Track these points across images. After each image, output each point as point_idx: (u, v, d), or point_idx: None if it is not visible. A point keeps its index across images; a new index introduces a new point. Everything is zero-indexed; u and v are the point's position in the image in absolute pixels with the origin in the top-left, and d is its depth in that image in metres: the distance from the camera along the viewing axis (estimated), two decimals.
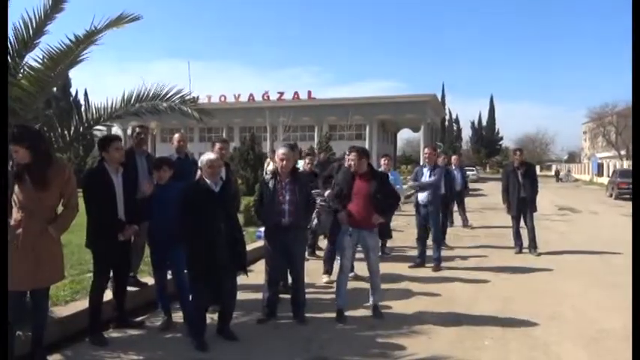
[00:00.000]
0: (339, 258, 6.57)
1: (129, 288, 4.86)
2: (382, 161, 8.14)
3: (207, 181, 4.18)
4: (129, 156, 4.99)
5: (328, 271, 6.46)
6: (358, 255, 5.33)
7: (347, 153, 6.45)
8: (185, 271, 4.44)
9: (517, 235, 8.64)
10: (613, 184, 24.20)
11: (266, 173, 5.89)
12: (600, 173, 45.48)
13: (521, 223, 8.65)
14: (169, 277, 4.77)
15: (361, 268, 5.22)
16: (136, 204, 4.50)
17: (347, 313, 4.94)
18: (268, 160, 10.60)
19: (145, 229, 4.62)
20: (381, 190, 4.91)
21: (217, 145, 5.42)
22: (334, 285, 6.13)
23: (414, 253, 7.69)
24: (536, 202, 8.64)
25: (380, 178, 5.02)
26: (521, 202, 8.48)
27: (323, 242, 7.61)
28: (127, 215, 4.33)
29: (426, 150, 7.91)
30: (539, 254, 8.38)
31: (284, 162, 4.79)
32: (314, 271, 6.50)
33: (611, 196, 24.02)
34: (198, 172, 4.91)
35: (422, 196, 7.55)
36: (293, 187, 4.81)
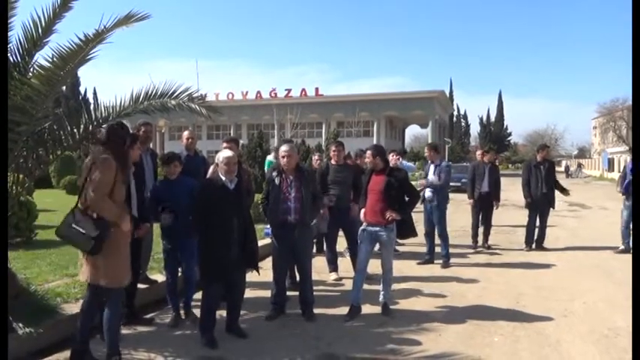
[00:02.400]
0: (347, 255, 6.61)
1: (138, 285, 4.88)
2: (390, 157, 8.15)
3: (223, 178, 4.20)
4: None
5: (335, 269, 6.47)
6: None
7: (333, 149, 6.56)
8: (195, 268, 4.47)
9: (532, 232, 8.60)
10: (623, 179, 23.91)
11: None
12: (611, 168, 45.01)
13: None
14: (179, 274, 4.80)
15: (368, 266, 5.20)
16: (144, 202, 4.54)
17: None
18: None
19: (151, 227, 4.66)
20: (397, 187, 4.91)
21: (224, 144, 5.43)
22: (343, 282, 6.17)
23: (423, 249, 7.67)
24: (554, 200, 8.66)
25: (396, 176, 5.01)
26: (543, 198, 8.47)
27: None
28: (138, 213, 4.36)
29: (425, 150, 8.01)
30: (545, 248, 8.50)
31: (286, 159, 4.79)
32: (322, 268, 6.50)
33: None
34: (210, 169, 4.93)
35: (427, 192, 7.56)
36: (298, 183, 4.80)
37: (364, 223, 5.04)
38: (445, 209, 7.56)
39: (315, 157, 7.90)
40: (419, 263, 7.38)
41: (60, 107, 8.08)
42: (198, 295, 4.53)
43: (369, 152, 5.12)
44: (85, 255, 3.56)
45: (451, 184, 8.72)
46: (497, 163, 9.09)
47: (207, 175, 4.97)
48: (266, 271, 5.38)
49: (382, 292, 5.01)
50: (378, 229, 4.92)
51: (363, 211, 5.07)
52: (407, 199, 5.07)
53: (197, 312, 4.47)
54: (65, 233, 3.54)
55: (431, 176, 7.50)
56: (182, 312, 4.72)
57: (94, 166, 3.50)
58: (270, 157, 8.73)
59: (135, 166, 4.49)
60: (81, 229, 3.44)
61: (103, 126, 3.80)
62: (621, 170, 8.53)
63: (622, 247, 8.28)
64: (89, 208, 3.49)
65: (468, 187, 8.77)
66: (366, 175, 5.21)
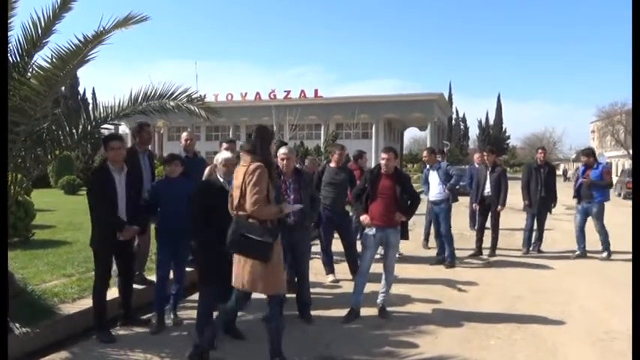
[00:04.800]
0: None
1: (135, 286, 4.88)
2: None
3: (221, 179, 4.21)
4: (132, 154, 5.00)
5: (331, 271, 6.47)
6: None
7: (338, 152, 6.57)
8: (188, 269, 4.46)
9: (530, 235, 8.60)
10: (621, 183, 23.95)
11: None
12: None
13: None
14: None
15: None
16: (139, 204, 4.52)
17: None
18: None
19: (150, 228, 4.66)
20: (405, 190, 4.93)
21: (224, 145, 5.45)
22: (340, 283, 6.18)
23: (420, 253, 7.68)
24: (552, 204, 8.65)
25: (404, 178, 5.05)
26: (541, 201, 8.45)
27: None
28: (128, 215, 4.34)
29: (424, 153, 8.15)
30: (542, 252, 8.54)
31: (285, 161, 4.79)
32: (320, 270, 6.50)
33: (619, 195, 23.78)
34: (206, 170, 4.93)
35: (436, 195, 7.65)
36: (297, 186, 4.81)
37: (370, 228, 4.92)
38: (450, 208, 7.61)
39: (307, 162, 7.94)
40: (432, 264, 7.36)
41: (59, 107, 8.06)
42: (195, 297, 4.53)
43: (391, 154, 4.95)
44: (243, 262, 3.56)
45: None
46: (488, 164, 8.66)
47: (203, 177, 4.98)
48: None
49: (382, 294, 5.01)
50: (389, 231, 4.92)
51: (366, 215, 4.93)
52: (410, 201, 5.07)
53: (188, 313, 4.48)
54: (239, 245, 3.55)
55: (436, 182, 7.57)
56: (172, 315, 4.70)
57: (247, 174, 3.55)
58: None
59: (133, 167, 4.49)
60: (256, 237, 3.49)
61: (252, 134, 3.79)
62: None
63: (578, 252, 8.28)
64: (252, 216, 3.54)
65: (472, 192, 8.65)
66: (372, 178, 4.99)
